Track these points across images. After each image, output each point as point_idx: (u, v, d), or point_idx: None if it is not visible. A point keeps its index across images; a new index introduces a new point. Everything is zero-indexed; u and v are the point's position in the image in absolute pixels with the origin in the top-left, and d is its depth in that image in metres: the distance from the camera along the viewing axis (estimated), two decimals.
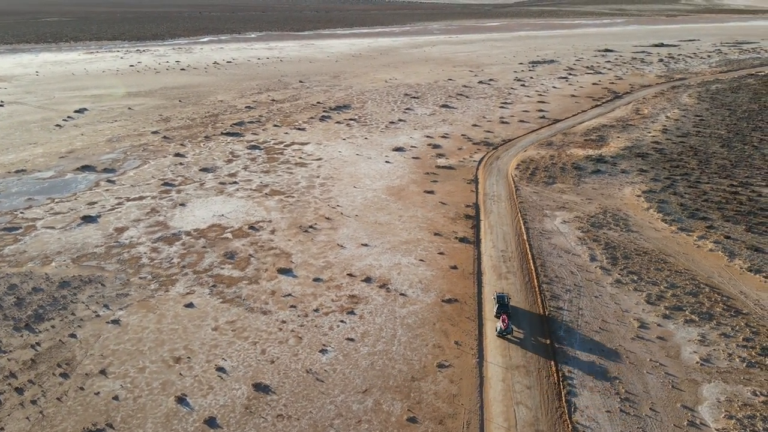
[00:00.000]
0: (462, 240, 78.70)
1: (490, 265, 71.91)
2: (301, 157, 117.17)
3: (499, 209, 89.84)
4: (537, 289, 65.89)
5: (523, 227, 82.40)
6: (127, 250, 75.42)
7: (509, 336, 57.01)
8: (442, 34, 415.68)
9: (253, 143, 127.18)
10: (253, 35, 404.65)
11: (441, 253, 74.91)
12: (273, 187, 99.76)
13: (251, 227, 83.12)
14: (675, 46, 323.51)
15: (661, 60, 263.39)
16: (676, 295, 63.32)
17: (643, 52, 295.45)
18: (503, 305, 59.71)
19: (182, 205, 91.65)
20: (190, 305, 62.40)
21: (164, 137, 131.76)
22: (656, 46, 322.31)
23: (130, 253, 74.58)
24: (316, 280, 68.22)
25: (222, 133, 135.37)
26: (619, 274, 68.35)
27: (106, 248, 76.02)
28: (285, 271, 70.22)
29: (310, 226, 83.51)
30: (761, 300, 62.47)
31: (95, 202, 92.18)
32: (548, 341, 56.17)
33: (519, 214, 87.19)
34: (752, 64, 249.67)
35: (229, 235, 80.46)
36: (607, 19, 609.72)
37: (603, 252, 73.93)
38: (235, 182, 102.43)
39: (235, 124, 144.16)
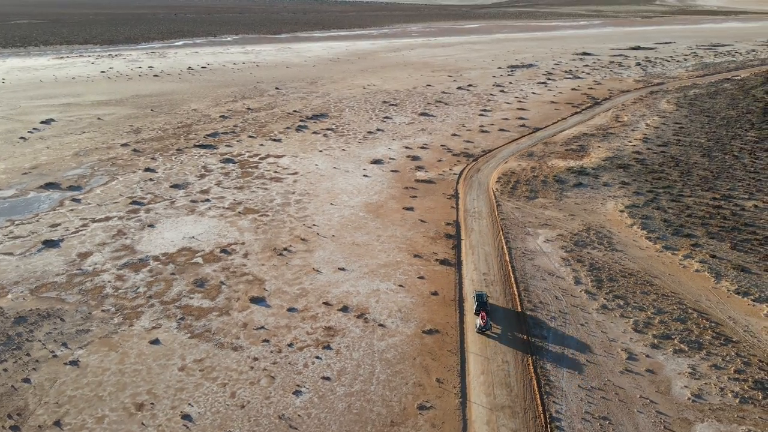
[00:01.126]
0: (443, 262, 75.95)
1: (471, 291, 69.18)
2: (276, 171, 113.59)
3: (480, 227, 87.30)
4: (522, 316, 63.33)
5: (505, 247, 79.93)
6: (90, 279, 71.34)
7: (488, 332, 60.54)
8: (421, 37, 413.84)
9: (227, 156, 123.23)
10: (229, 38, 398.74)
11: (421, 278, 72.06)
12: (247, 205, 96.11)
13: (223, 250, 79.47)
14: (652, 48, 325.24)
15: (638, 64, 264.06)
16: (663, 322, 61.22)
17: (621, 55, 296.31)
18: (482, 303, 62.84)
19: (151, 226, 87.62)
20: (155, 342, 58.70)
21: (134, 150, 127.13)
22: (633, 49, 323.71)
23: (94, 282, 70.53)
24: (290, 310, 64.91)
25: (195, 146, 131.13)
26: (604, 298, 66.13)
27: (67, 277, 71.87)
28: (258, 300, 66.81)
29: (285, 249, 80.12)
30: (750, 326, 60.63)
31: (58, 224, 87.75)
32: (534, 376, 53.56)
33: (501, 233, 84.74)
34: (728, 67, 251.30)
35: (200, 260, 76.75)
36: (584, 20, 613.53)
37: (588, 274, 71.70)
38: (208, 200, 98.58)
39: (208, 135, 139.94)
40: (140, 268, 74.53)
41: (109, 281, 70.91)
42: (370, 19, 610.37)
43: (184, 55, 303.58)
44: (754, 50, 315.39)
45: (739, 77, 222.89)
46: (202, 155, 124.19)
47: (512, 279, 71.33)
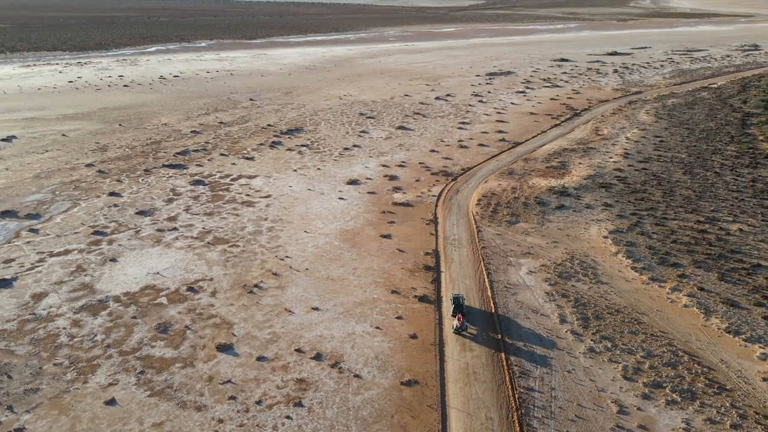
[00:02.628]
0: (421, 299, 72.26)
1: (452, 332, 65.59)
2: (248, 194, 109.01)
3: (460, 257, 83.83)
4: (504, 362, 59.91)
5: (486, 280, 76.55)
6: (43, 325, 66.30)
7: (464, 333, 64.76)
8: (398, 42, 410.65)
9: (197, 177, 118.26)
10: (203, 44, 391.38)
11: (399, 318, 68.29)
12: (217, 234, 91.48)
13: (190, 288, 74.88)
14: (628, 54, 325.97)
15: (616, 71, 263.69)
16: (654, 367, 58.23)
17: (598, 61, 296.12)
18: (458, 305, 66.88)
19: (113, 260, 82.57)
20: (111, 402, 54.06)
21: (99, 171, 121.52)
22: (610, 54, 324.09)
23: (47, 330, 65.52)
24: (260, 359, 60.68)
25: (164, 165, 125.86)
26: (591, 340, 63.01)
27: (19, 323, 66.75)
28: (225, 348, 62.44)
29: (256, 285, 75.79)
30: (743, 370, 57.92)
31: (12, 260, 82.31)
32: None
33: (482, 263, 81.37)
34: (704, 74, 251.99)
35: (164, 300, 72.09)
36: (560, 24, 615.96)
37: (573, 311, 68.57)
38: (175, 228, 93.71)
39: (178, 153, 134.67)
40: (99, 310, 69.62)
41: (64, 328, 65.95)
42: (347, 22, 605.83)
43: (157, 62, 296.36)
44: (728, 55, 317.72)
45: (715, 85, 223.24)
46: (171, 176, 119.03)
47: (495, 318, 67.91)
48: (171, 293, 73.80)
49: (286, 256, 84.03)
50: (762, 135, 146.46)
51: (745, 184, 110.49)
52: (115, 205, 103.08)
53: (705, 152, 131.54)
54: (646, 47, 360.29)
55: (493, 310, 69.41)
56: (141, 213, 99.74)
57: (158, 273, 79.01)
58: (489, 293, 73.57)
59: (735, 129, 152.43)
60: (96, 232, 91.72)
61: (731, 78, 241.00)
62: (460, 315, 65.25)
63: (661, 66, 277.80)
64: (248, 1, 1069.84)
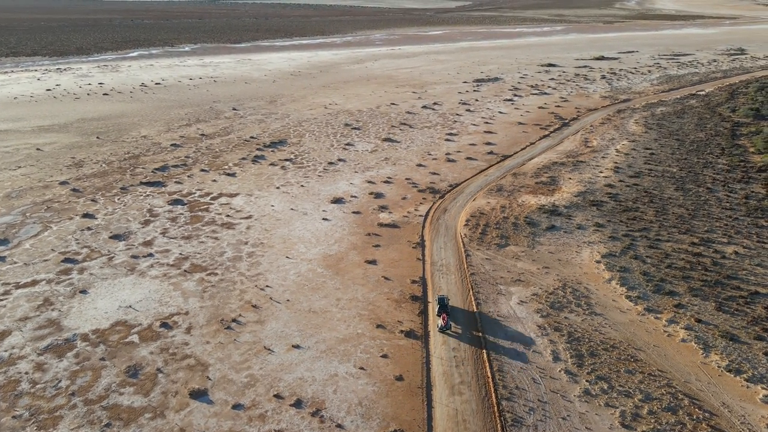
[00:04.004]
0: (408, 334, 68.81)
1: (440, 373, 62.26)
2: (228, 215, 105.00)
3: (448, 285, 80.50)
4: (496, 408, 56.59)
5: (476, 312, 73.19)
6: (4, 370, 62.04)
7: (449, 331, 68.68)
8: (385, 46, 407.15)
9: (175, 196, 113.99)
10: (186, 48, 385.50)
11: (384, 356, 64.79)
12: (194, 261, 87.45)
13: (163, 324, 70.89)
14: (615, 59, 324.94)
15: (603, 77, 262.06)
16: (653, 412, 55.17)
17: (586, 66, 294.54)
18: (443, 306, 70.43)
19: (83, 292, 78.34)
20: None
21: (73, 190, 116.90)
22: (597, 59, 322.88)
23: (8, 375, 61.28)
24: (236, 407, 56.89)
25: (141, 183, 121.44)
26: (587, 380, 59.85)
27: None
28: (199, 394, 58.58)
29: (234, 320, 71.94)
30: (747, 415, 55.03)
31: None
32: None
33: (471, 292, 78.09)
34: (691, 81, 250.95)
35: (136, 338, 68.04)
36: (547, 26, 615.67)
37: (567, 347, 65.43)
38: (151, 254, 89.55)
39: (157, 169, 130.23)
40: (65, 351, 65.46)
41: (26, 372, 61.75)
42: (333, 25, 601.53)
43: (138, 68, 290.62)
44: (715, 60, 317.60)
45: (703, 92, 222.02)
46: (148, 195, 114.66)
47: (484, 355, 64.61)
48: (143, 330, 69.76)
49: (267, 286, 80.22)
50: (753, 146, 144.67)
51: (738, 201, 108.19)
52: (89, 228, 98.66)
53: (696, 166, 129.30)
54: (633, 51, 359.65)
55: (483, 347, 66.08)
56: (115, 237, 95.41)
57: (131, 306, 74.90)
58: (479, 327, 70.22)
59: (725, 140, 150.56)
60: (67, 260, 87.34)
61: (719, 84, 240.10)
62: (444, 315, 68.97)
63: (649, 71, 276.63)
64: (234, 3, 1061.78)
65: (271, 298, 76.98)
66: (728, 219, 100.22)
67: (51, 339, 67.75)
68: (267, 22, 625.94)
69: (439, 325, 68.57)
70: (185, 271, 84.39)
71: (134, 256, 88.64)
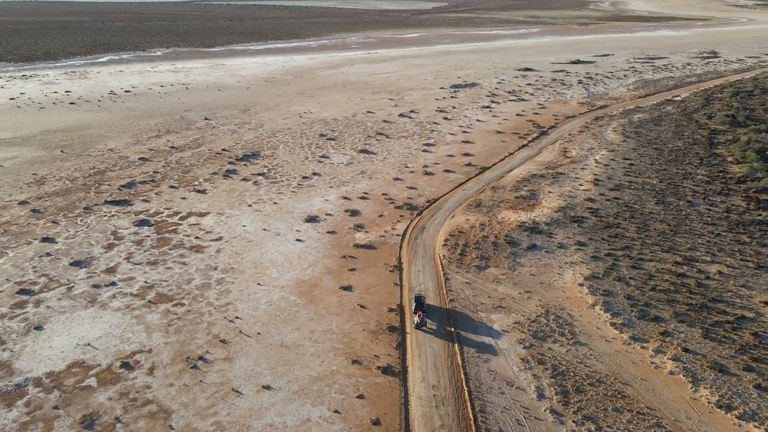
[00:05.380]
0: (385, 371, 65.30)
1: (419, 415, 58.86)
2: (198, 237, 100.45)
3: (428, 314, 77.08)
4: None
5: (456, 345, 69.98)
6: None
7: (424, 328, 72.91)
8: (361, 49, 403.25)
9: (142, 216, 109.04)
10: (158, 52, 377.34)
11: (360, 397, 61.18)
12: (159, 289, 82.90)
13: (124, 364, 66.40)
14: (591, 62, 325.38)
15: (580, 81, 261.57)
16: None
17: (563, 71, 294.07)
18: (420, 304, 74.35)
19: (38, 328, 73.42)
20: None
21: (33, 210, 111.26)
22: (574, 63, 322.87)
23: None
24: None
25: (106, 201, 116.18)
26: (573, 421, 56.91)
27: None
28: None
29: (201, 357, 67.74)
30: None
31: None
32: None
33: (451, 321, 74.80)
34: (667, 85, 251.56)
35: (93, 382, 63.49)
36: (522, 28, 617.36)
37: (551, 383, 62.48)
38: (113, 283, 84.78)
39: (123, 186, 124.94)
40: (15, 399, 60.69)
41: None
42: (309, 27, 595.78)
43: (108, 74, 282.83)
44: (689, 63, 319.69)
45: (679, 98, 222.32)
46: (113, 215, 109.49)
47: (466, 394, 61.36)
48: (102, 371, 65.22)
49: (236, 317, 76.08)
50: (730, 155, 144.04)
51: (720, 216, 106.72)
52: (48, 254, 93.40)
53: (676, 177, 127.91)
54: (608, 54, 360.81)
55: (464, 385, 62.80)
56: (76, 264, 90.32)
57: (89, 344, 70.22)
58: (459, 360, 67.05)
59: (703, 149, 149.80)
60: (22, 291, 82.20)
61: (694, 89, 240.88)
62: (420, 312, 73.20)
63: (625, 76, 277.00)
64: (208, 4, 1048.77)
65: (240, 332, 72.88)
66: (710, 235, 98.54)
67: (0, 384, 62.83)
68: (241, 25, 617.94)
69: (415, 322, 73.18)
70: (150, 301, 79.84)
71: (95, 286, 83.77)
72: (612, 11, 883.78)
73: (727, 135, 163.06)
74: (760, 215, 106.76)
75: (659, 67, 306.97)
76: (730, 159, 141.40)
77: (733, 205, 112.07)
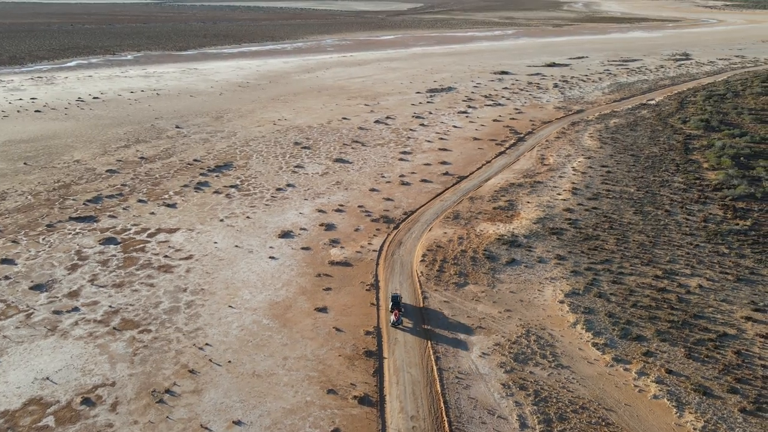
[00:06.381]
0: (362, 401, 62.63)
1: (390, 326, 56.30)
2: (167, 255, 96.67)
3: (405, 337, 74.69)
4: None
5: (435, 369, 67.70)
6: None
7: (400, 326, 75.21)
8: (336, 52, 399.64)
9: (108, 233, 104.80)
10: (129, 56, 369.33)
11: (336, 431, 58.36)
12: (125, 315, 79.14)
13: (85, 400, 62.72)
14: (566, 65, 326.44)
15: (556, 85, 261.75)
16: None
17: (538, 74, 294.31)
18: (396, 303, 76.39)
19: None
20: None
21: None
22: (549, 66, 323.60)
23: None
24: None
25: (71, 218, 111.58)
26: None
27: None
28: None
29: (167, 390, 64.34)
30: None
31: None
32: None
33: (429, 343, 72.51)
34: (641, 89, 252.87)
35: (51, 421, 59.74)
36: (498, 30, 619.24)
37: (534, 410, 60.41)
38: (76, 308, 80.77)
39: (89, 200, 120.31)
40: None
41: None
42: (284, 29, 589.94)
43: (76, 80, 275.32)
44: (662, 66, 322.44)
45: (654, 102, 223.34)
46: (77, 233, 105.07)
47: (446, 425, 58.96)
48: (61, 409, 61.48)
49: (206, 344, 72.76)
50: (706, 161, 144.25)
51: (698, 226, 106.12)
52: (6, 278, 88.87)
53: (653, 184, 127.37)
54: (583, 57, 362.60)
55: (444, 415, 60.42)
56: (37, 287, 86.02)
57: (48, 378, 66.34)
58: (438, 387, 64.67)
59: (679, 155, 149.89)
60: None
61: (668, 92, 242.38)
62: (396, 311, 75.33)
63: (600, 79, 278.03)
64: (181, 5, 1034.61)
65: (210, 360, 69.61)
66: (689, 246, 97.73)
67: None
68: (215, 27, 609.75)
69: (391, 321, 75.52)
70: (114, 328, 76.08)
71: (57, 312, 79.68)
72: (585, 12, 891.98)
73: (701, 140, 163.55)
74: (737, 224, 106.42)
75: (633, 69, 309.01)
76: (705, 165, 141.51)
77: (710, 213, 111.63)
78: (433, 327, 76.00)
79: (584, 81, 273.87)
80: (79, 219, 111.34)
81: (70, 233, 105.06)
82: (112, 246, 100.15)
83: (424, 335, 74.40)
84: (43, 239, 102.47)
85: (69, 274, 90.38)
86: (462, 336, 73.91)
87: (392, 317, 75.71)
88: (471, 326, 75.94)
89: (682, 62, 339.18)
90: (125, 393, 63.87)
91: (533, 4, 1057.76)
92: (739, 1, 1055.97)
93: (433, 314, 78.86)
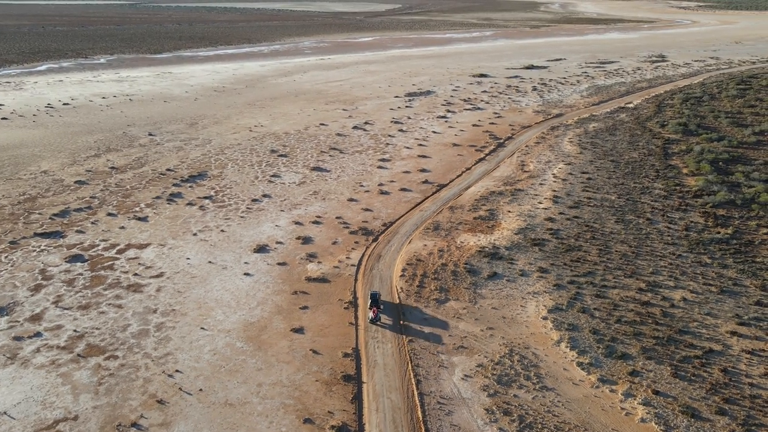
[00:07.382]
0: (340, 431, 59.78)
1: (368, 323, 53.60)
2: (136, 273, 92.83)
3: (384, 357, 72.09)
4: None
5: (416, 394, 65.14)
6: None
7: (378, 323, 77.09)
8: (314, 55, 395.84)
9: (75, 250, 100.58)
10: (102, 60, 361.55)
11: None
12: (90, 339, 75.35)
13: None
14: (545, 68, 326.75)
15: (534, 88, 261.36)
16: None
17: (517, 77, 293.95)
18: (375, 301, 78.24)
19: None
20: None
21: None
22: (527, 68, 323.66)
23: None
24: None
25: (36, 234, 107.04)
26: None
27: None
28: None
29: (134, 423, 60.87)
30: None
31: None
32: None
33: (410, 366, 70.01)
34: (619, 91, 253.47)
35: None
36: (476, 31, 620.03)
37: None
38: (38, 333, 76.75)
39: (56, 214, 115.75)
40: None
41: None
42: (260, 31, 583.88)
43: (46, 85, 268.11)
44: (639, 68, 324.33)
45: (632, 105, 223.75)
46: (42, 250, 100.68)
47: None
48: None
49: (176, 371, 69.35)
50: (685, 167, 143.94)
51: (680, 234, 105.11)
52: None
53: (633, 192, 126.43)
54: (560, 59, 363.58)
55: None
56: None
57: (5, 413, 62.44)
58: (419, 414, 62.13)
59: (658, 160, 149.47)
60: None
61: (645, 95, 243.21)
62: (375, 308, 77.09)
63: (578, 82, 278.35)
64: (156, 6, 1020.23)
65: (180, 389, 66.24)
66: (672, 257, 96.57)
67: None
68: (191, 29, 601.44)
69: (369, 317, 77.25)
70: (79, 355, 72.30)
71: (17, 338, 75.60)
72: (562, 13, 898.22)
73: (680, 145, 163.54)
74: (719, 233, 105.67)
75: (611, 72, 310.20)
76: (685, 171, 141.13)
77: (691, 222, 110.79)
78: (414, 347, 73.44)
79: (562, 84, 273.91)
80: (44, 235, 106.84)
81: (34, 250, 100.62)
82: (78, 264, 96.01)
83: (405, 356, 71.79)
84: (6, 257, 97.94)
85: (32, 295, 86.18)
86: (444, 357, 71.46)
87: (370, 314, 77.16)
88: (453, 346, 73.50)
89: (659, 64, 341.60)
90: (88, 428, 60.27)
91: (511, 5, 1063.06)
92: (711, 2, 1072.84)
93: (414, 332, 76.32)
